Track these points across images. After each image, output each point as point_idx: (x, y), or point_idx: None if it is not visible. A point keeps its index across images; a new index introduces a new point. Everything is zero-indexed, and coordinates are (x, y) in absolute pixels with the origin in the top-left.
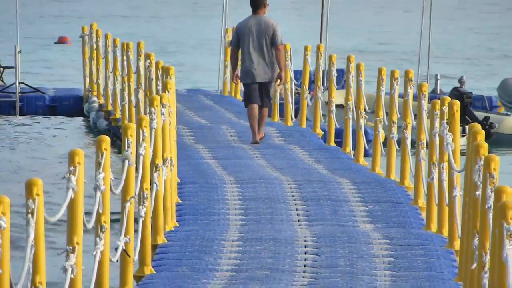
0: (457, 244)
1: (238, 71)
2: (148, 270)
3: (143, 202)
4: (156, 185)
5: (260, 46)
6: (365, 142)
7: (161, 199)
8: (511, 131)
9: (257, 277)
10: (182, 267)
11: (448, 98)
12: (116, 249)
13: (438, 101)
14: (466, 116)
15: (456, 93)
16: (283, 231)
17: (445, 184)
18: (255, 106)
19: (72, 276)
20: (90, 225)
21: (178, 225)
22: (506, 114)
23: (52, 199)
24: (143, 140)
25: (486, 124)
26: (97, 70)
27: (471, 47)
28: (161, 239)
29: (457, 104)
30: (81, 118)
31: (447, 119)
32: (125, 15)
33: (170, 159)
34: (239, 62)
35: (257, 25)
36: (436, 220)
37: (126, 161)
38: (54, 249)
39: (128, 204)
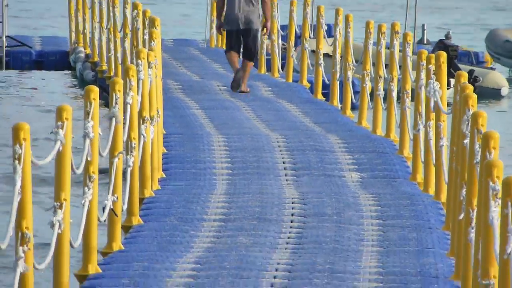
0: (443, 196)
1: (222, 20)
2: (136, 220)
3: (131, 151)
4: (144, 136)
5: None
6: (353, 94)
7: (148, 151)
8: (495, 85)
9: (244, 228)
10: (170, 217)
11: (433, 56)
12: (103, 208)
13: (424, 51)
14: (451, 69)
15: (441, 46)
16: (269, 181)
17: (432, 135)
18: (235, 54)
19: (60, 231)
20: (79, 171)
21: (164, 175)
22: (491, 68)
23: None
24: (130, 89)
25: (471, 78)
26: (83, 20)
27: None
28: (149, 192)
29: (443, 56)
30: (67, 71)
31: (433, 71)
32: None
33: (157, 111)
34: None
35: None
36: (421, 170)
37: (114, 119)
38: (41, 207)
39: (116, 159)
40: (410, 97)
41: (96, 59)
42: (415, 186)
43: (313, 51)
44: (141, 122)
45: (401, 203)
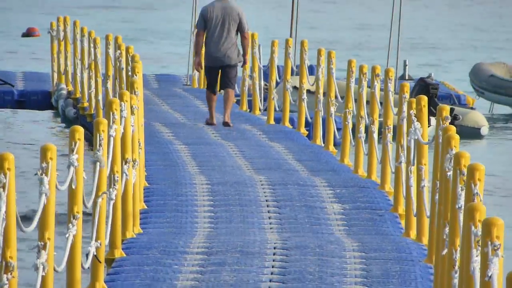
0: (425, 239)
1: (201, 58)
2: (119, 253)
3: (114, 185)
4: (126, 174)
5: (225, 31)
6: (336, 130)
7: (130, 189)
8: (475, 124)
9: (227, 262)
10: (153, 250)
11: (414, 100)
12: (87, 255)
13: (407, 84)
14: (431, 107)
15: (422, 84)
16: (251, 215)
17: (413, 181)
18: (214, 96)
19: (44, 274)
20: (64, 188)
21: (146, 207)
22: (471, 108)
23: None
24: (113, 122)
25: (451, 116)
26: (65, 58)
27: (440, 38)
28: (130, 234)
29: (424, 99)
30: (50, 111)
31: (414, 114)
32: (94, 5)
33: (137, 161)
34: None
35: (223, 10)
36: (402, 202)
37: (98, 163)
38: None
39: (99, 199)
40: (391, 132)
41: (78, 95)
42: (395, 218)
43: (295, 87)
44: (124, 163)
45: (383, 237)
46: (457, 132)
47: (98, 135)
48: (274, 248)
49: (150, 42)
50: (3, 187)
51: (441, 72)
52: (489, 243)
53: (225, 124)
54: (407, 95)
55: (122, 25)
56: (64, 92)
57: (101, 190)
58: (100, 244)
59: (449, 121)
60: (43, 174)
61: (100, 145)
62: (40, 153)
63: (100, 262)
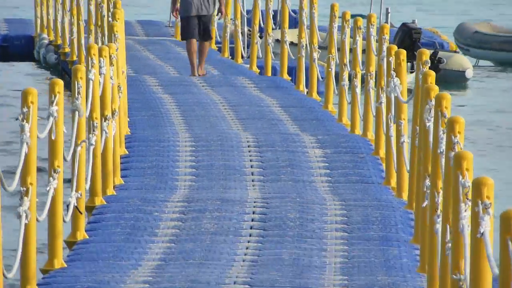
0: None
1: (178, 5)
2: (99, 201)
3: (93, 131)
4: (106, 132)
5: None
6: (319, 76)
7: (110, 144)
8: (459, 67)
9: (208, 209)
10: (133, 199)
11: (395, 47)
12: (67, 206)
13: (386, 25)
14: (415, 52)
15: (405, 28)
16: (232, 159)
17: (393, 131)
18: (194, 41)
19: (26, 221)
20: (42, 135)
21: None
22: (455, 52)
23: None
24: (92, 67)
25: (435, 59)
26: (47, 6)
27: None
28: (110, 191)
29: (403, 53)
30: (32, 63)
31: (393, 68)
32: None
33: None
34: None
35: None
36: (383, 146)
37: (76, 112)
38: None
39: (79, 148)
40: (374, 79)
41: (59, 41)
42: (373, 160)
43: (277, 41)
44: (103, 120)
45: (361, 185)
46: (441, 76)
47: (76, 82)
48: (255, 196)
49: None
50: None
51: (424, 20)
52: (480, 202)
53: (200, 75)
54: (386, 36)
55: None
56: (46, 41)
57: (80, 139)
58: (81, 195)
59: (431, 64)
60: (24, 120)
61: (78, 93)
62: (21, 97)
63: (81, 214)
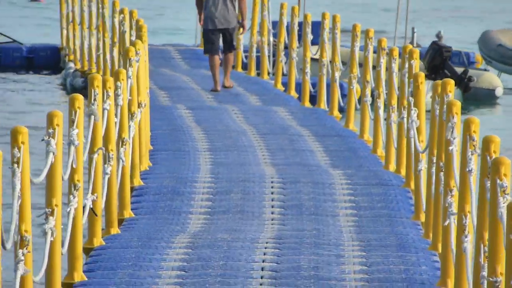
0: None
1: (203, 16)
2: (128, 214)
3: (123, 145)
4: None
5: None
6: (340, 97)
7: (136, 145)
8: (489, 85)
9: (229, 217)
10: (159, 210)
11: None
12: (83, 207)
13: (395, 48)
14: (445, 70)
15: (435, 47)
16: (251, 172)
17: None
18: (216, 57)
19: (52, 238)
20: (66, 176)
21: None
22: (485, 70)
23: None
24: (117, 94)
25: (465, 77)
26: (73, 32)
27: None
28: (138, 181)
29: (421, 76)
30: (58, 76)
31: (411, 91)
32: None
33: (144, 104)
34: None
35: None
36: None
37: (92, 117)
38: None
39: (95, 155)
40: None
41: (86, 67)
42: (386, 174)
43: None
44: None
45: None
46: (471, 94)
47: (93, 90)
48: (272, 181)
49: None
50: (17, 162)
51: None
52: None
53: (225, 87)
54: (396, 58)
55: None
56: (72, 70)
57: (96, 146)
58: (96, 197)
59: (462, 83)
60: (50, 138)
61: (95, 99)
62: (46, 119)
63: (96, 216)
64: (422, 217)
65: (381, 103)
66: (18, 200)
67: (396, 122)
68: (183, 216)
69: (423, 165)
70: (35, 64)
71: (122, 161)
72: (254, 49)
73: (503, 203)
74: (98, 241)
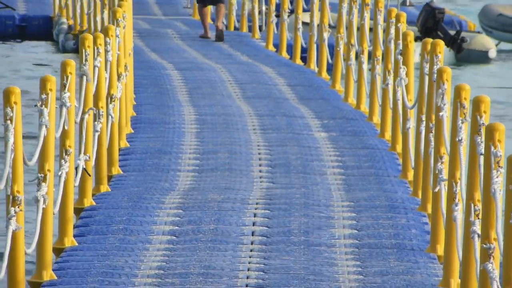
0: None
1: None
2: (116, 170)
3: (112, 102)
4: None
5: None
6: (329, 55)
7: (123, 106)
8: (482, 47)
9: (218, 175)
10: (147, 168)
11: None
12: (76, 168)
13: (394, 9)
14: (438, 32)
15: (428, 8)
16: (238, 138)
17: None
18: (207, 7)
19: (44, 206)
20: (57, 135)
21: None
22: (478, 32)
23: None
24: (107, 50)
25: (458, 38)
26: None
27: None
28: (124, 143)
29: (410, 35)
30: (50, 43)
31: (400, 50)
32: None
33: (126, 67)
34: None
35: None
36: (389, 128)
37: (84, 77)
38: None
39: (86, 115)
40: (380, 64)
41: (78, 28)
42: (378, 142)
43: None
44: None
45: (363, 156)
46: (464, 55)
47: (84, 50)
48: (260, 165)
49: None
50: (11, 120)
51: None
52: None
53: (218, 30)
54: (394, 19)
55: None
56: (65, 26)
57: (87, 106)
58: (89, 158)
59: (455, 43)
60: (43, 106)
61: (86, 60)
62: (39, 84)
63: (90, 176)
64: (410, 176)
65: (364, 59)
66: (11, 154)
67: (383, 85)
68: (172, 173)
69: (411, 124)
70: (27, 33)
71: (112, 117)
72: (246, 10)
73: (496, 177)
74: (89, 201)
